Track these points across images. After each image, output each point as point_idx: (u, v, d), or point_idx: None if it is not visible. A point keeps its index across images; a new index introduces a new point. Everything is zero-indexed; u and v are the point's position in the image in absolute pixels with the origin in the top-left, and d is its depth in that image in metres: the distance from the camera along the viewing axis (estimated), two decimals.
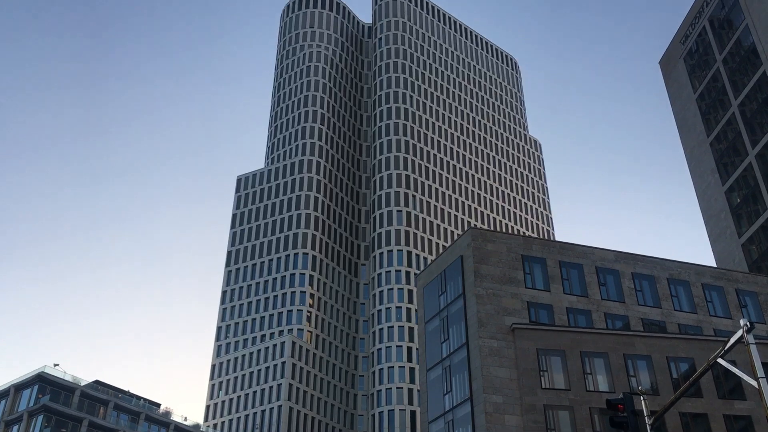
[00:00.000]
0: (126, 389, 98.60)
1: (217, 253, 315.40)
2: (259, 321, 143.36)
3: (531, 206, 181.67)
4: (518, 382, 45.01)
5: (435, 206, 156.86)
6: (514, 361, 45.86)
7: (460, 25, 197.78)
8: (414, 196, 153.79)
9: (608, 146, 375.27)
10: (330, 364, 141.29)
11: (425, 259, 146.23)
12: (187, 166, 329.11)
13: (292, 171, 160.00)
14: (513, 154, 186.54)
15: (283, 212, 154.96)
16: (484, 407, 43.79)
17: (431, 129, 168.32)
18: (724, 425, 46.21)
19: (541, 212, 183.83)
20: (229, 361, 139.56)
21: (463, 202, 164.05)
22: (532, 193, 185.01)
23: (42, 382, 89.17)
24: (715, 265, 79.15)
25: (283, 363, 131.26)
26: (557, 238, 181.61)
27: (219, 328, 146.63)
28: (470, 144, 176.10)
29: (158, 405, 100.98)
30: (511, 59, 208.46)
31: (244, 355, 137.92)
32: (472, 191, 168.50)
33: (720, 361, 22.60)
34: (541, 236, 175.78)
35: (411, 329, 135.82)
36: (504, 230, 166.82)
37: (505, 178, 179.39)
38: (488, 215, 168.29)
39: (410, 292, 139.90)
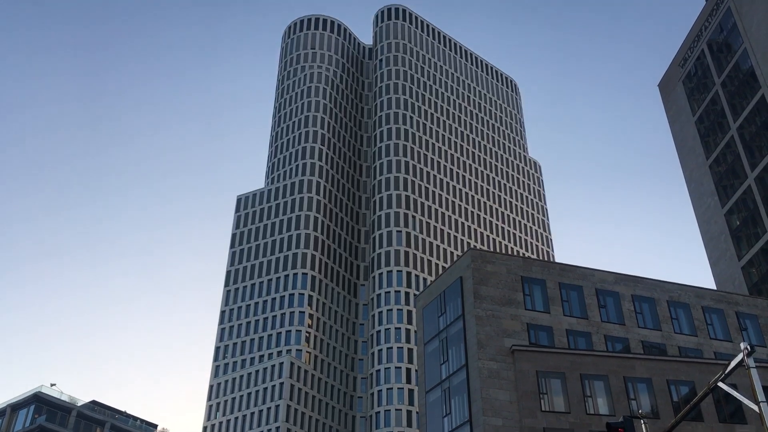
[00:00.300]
0: (123, 410, 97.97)
1: (216, 272, 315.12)
2: (257, 341, 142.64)
3: (531, 227, 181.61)
4: (518, 405, 44.68)
5: (435, 227, 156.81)
6: (513, 383, 45.57)
7: (461, 47, 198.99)
8: (414, 217, 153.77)
9: (608, 168, 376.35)
10: (329, 385, 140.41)
11: (425, 279, 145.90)
12: (188, 186, 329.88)
13: (292, 191, 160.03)
14: (513, 176, 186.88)
15: (282, 232, 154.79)
16: (484, 430, 43.46)
17: (431, 150, 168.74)
18: None
19: (541, 234, 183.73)
20: (227, 381, 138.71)
21: (462, 223, 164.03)
22: (532, 214, 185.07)
23: (38, 402, 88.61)
24: (715, 287, 78.95)
25: (282, 384, 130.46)
26: (557, 260, 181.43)
27: (217, 348, 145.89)
28: (470, 165, 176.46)
29: (155, 426, 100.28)
30: (511, 81, 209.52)
31: (242, 376, 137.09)
32: (472, 212, 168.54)
33: (721, 384, 22.46)
34: (541, 258, 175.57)
35: (410, 350, 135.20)
36: (504, 251, 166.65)
37: (505, 199, 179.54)
38: (488, 236, 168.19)
39: (409, 313, 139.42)
